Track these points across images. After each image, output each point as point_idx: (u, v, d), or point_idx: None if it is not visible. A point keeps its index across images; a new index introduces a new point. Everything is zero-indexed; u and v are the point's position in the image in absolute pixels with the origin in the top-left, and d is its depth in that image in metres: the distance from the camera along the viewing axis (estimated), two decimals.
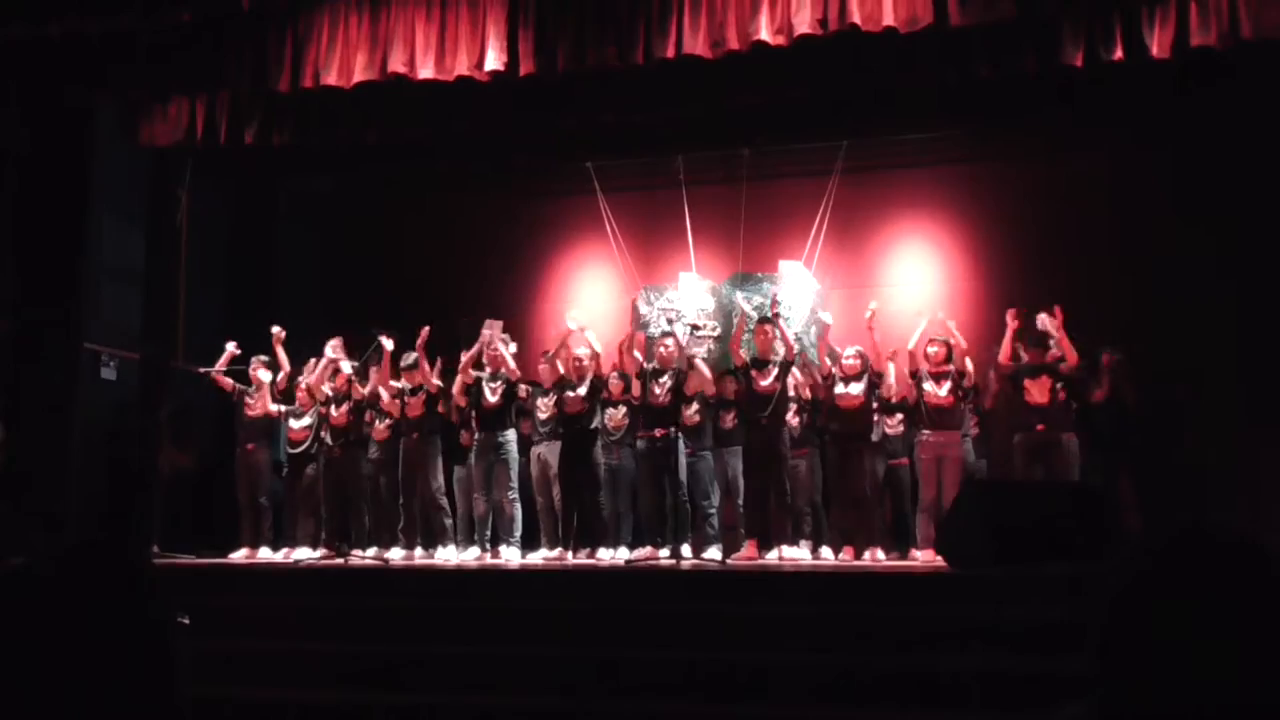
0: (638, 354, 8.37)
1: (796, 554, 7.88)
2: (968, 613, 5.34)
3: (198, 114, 8.58)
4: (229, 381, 8.78)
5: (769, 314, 8.48)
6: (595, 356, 8.24)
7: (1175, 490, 7.48)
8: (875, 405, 8.13)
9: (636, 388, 8.17)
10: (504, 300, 10.01)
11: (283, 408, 8.75)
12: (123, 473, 8.69)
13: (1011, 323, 7.78)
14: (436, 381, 8.31)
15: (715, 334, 9.72)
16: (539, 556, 8.10)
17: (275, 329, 8.64)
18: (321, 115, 8.63)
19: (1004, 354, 7.82)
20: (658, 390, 7.99)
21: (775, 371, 7.96)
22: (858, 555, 7.88)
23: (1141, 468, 7.86)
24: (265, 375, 8.67)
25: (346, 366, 8.38)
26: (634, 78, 7.95)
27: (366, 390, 8.43)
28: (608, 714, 4.73)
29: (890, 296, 9.59)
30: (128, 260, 9.17)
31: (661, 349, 8.20)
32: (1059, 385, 7.67)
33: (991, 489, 7.27)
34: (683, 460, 7.89)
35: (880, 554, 7.84)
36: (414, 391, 8.35)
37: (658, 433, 7.81)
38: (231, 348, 8.68)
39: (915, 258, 9.71)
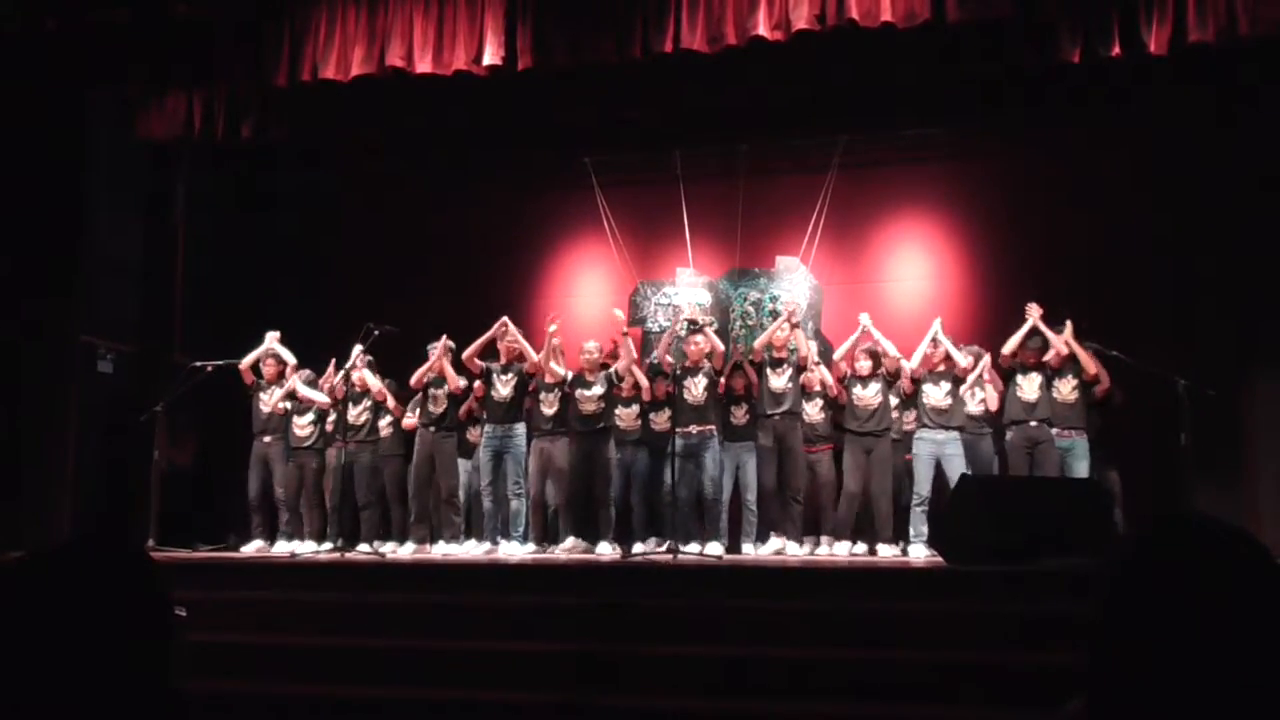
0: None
1: (798, 549, 7.92)
2: (965, 607, 5.34)
3: (195, 108, 8.57)
4: (252, 376, 8.77)
5: (783, 312, 8.52)
6: (611, 356, 8.31)
7: (1173, 486, 7.51)
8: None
9: (644, 383, 8.21)
10: (501, 294, 10.01)
11: (288, 404, 8.75)
12: (120, 466, 8.69)
13: (1036, 311, 7.79)
14: (462, 382, 8.34)
15: (712, 328, 9.74)
16: (528, 550, 8.10)
17: (270, 334, 8.70)
18: (319, 109, 8.62)
19: (1009, 348, 7.85)
20: (694, 389, 7.98)
21: (789, 370, 8.00)
22: (872, 550, 7.92)
23: (1131, 463, 7.90)
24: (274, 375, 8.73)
25: (373, 381, 8.43)
26: (632, 73, 7.94)
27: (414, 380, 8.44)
28: (608, 709, 4.73)
29: (887, 293, 9.61)
30: (125, 253, 9.16)
31: (692, 346, 8.20)
32: (1051, 381, 7.74)
33: (989, 484, 7.29)
34: (715, 457, 7.91)
35: (892, 549, 7.88)
36: (437, 384, 8.35)
37: (694, 430, 7.83)
38: (272, 339, 8.68)
39: (912, 254, 9.71)
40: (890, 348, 8.11)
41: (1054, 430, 7.76)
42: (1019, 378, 7.80)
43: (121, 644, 1.14)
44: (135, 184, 9.30)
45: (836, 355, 8.35)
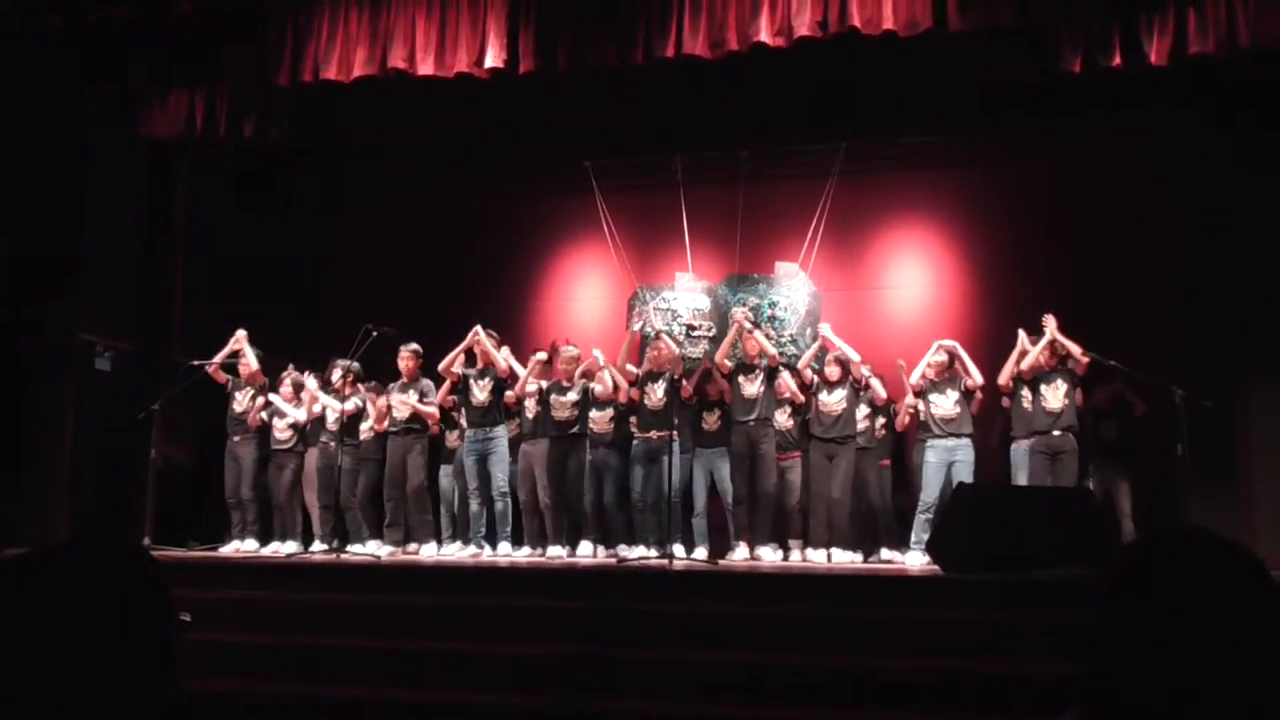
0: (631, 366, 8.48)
1: (774, 556, 7.91)
2: (959, 616, 5.34)
3: (197, 107, 8.57)
4: (224, 375, 8.77)
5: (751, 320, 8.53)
6: (592, 364, 8.34)
7: (1170, 497, 7.51)
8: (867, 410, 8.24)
9: (623, 392, 8.22)
10: (500, 298, 10.03)
11: (264, 415, 8.72)
12: (117, 464, 8.68)
13: (1044, 329, 7.82)
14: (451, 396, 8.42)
15: (710, 334, 9.74)
16: (522, 553, 8.12)
17: (239, 332, 8.66)
18: (321, 110, 8.62)
19: (1008, 372, 7.88)
20: (658, 394, 7.98)
21: (761, 375, 7.99)
22: (866, 557, 7.92)
23: (1139, 474, 7.90)
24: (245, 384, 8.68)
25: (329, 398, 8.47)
26: (633, 77, 7.95)
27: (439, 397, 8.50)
28: (601, 713, 4.73)
29: (886, 300, 9.62)
30: (124, 251, 9.16)
31: (655, 351, 8.20)
32: (1075, 390, 7.73)
33: (984, 493, 7.29)
34: (677, 461, 7.91)
35: (861, 556, 7.89)
36: (401, 391, 8.39)
37: (654, 435, 7.83)
38: (241, 335, 8.64)
39: (911, 261, 9.72)
40: (853, 354, 8.11)
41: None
42: (1042, 386, 7.73)
43: (122, 643, 1.14)
44: (135, 183, 9.29)
45: (800, 363, 8.33)
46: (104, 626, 1.13)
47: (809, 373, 8.25)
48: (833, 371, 8.11)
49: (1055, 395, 7.71)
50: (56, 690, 1.10)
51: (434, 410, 8.44)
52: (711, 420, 8.21)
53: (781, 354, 8.32)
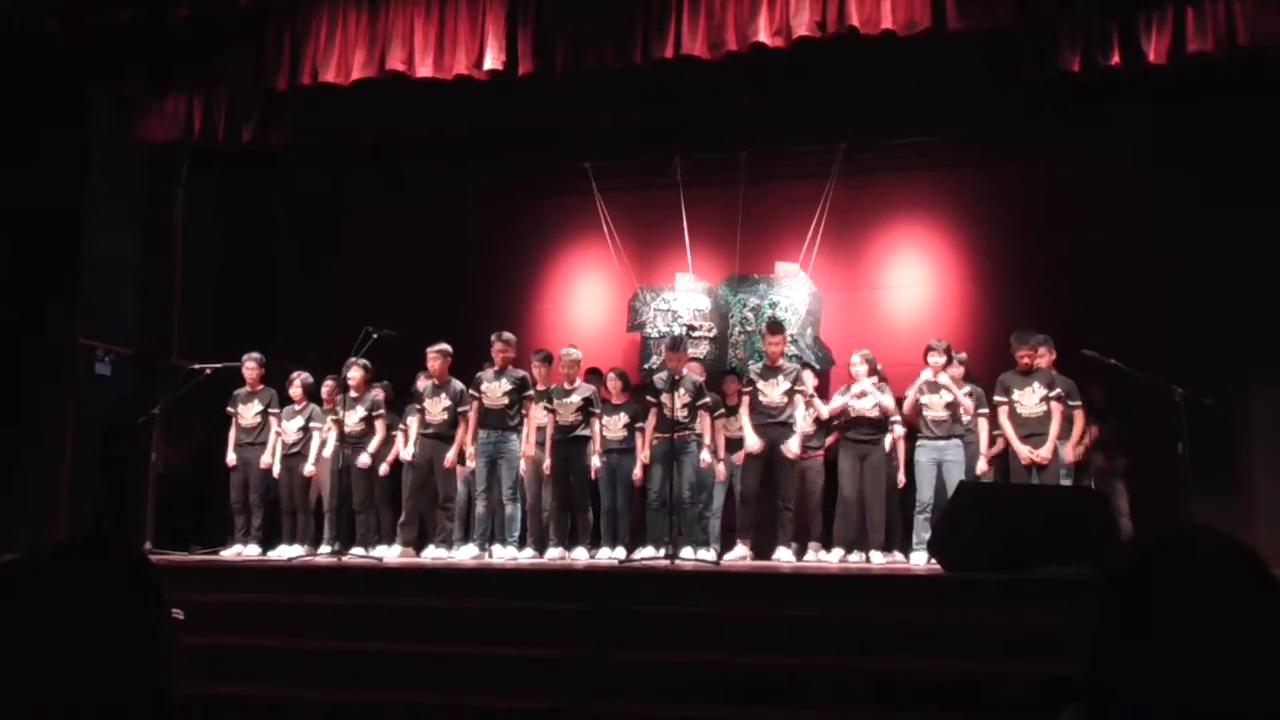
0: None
1: (789, 556, 7.90)
2: (963, 615, 5.34)
3: (195, 111, 8.56)
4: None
5: (780, 321, 8.50)
6: (580, 366, 8.34)
7: (1170, 496, 7.50)
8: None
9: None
10: (500, 299, 10.03)
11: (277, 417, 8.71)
12: (117, 468, 8.67)
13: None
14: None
15: (710, 335, 9.74)
16: (525, 555, 8.11)
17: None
18: (319, 113, 8.61)
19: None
20: (679, 402, 7.91)
21: (783, 383, 7.96)
22: (865, 557, 7.92)
23: (1134, 473, 7.90)
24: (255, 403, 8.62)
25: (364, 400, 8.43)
26: (632, 78, 7.95)
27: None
28: (601, 715, 4.73)
29: (886, 299, 9.61)
30: (123, 255, 9.16)
31: (672, 358, 8.15)
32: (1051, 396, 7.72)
33: (986, 492, 7.28)
34: (694, 463, 7.92)
35: (883, 556, 7.87)
36: (432, 394, 8.32)
37: (673, 436, 7.82)
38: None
39: (911, 261, 9.72)
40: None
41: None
42: (1015, 392, 7.73)
43: (116, 646, 1.13)
44: (134, 185, 9.30)
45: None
46: (98, 629, 1.13)
47: (818, 405, 8.18)
48: (860, 370, 8.06)
49: (1030, 400, 7.70)
50: (50, 694, 1.09)
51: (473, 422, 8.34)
52: (734, 428, 8.22)
53: (782, 355, 8.26)
